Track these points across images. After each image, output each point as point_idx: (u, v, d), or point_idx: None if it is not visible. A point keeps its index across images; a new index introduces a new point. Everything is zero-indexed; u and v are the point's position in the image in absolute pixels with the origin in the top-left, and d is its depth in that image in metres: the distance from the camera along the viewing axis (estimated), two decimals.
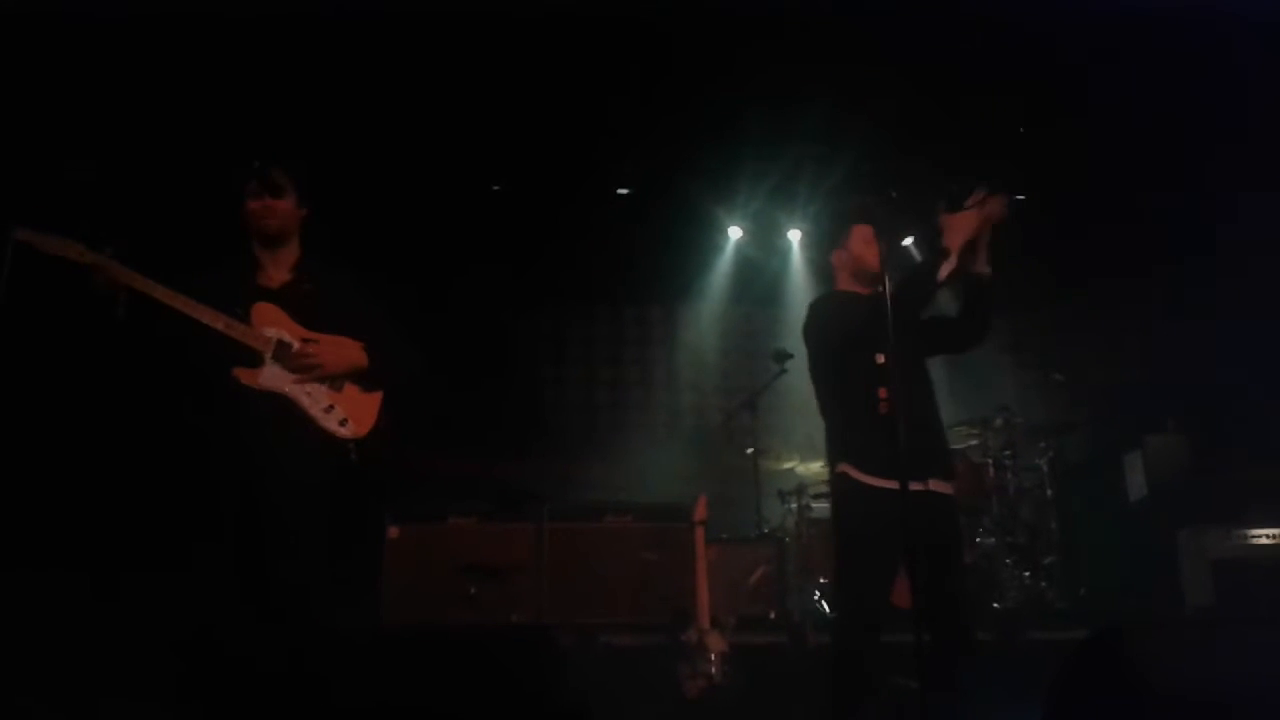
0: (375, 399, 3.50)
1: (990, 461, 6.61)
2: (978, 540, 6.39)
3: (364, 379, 3.48)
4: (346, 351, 3.45)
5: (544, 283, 8.32)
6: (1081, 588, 6.57)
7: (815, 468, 6.77)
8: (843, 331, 3.75)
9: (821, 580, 6.27)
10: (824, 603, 6.20)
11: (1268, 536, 6.08)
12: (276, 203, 3.47)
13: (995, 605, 6.21)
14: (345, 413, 3.40)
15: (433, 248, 7.54)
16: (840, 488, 3.68)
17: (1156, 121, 6.69)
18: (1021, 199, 8.03)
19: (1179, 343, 8.09)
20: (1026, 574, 6.45)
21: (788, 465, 6.97)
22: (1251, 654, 2.57)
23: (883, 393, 3.52)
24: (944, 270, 3.54)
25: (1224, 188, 7.13)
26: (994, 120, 7.09)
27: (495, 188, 7.81)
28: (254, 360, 3.32)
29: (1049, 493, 6.75)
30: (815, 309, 4.01)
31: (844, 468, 3.65)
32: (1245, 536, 6.09)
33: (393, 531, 5.59)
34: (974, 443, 6.85)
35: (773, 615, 5.98)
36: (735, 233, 8.61)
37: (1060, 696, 2.41)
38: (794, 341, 7.89)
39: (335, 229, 3.82)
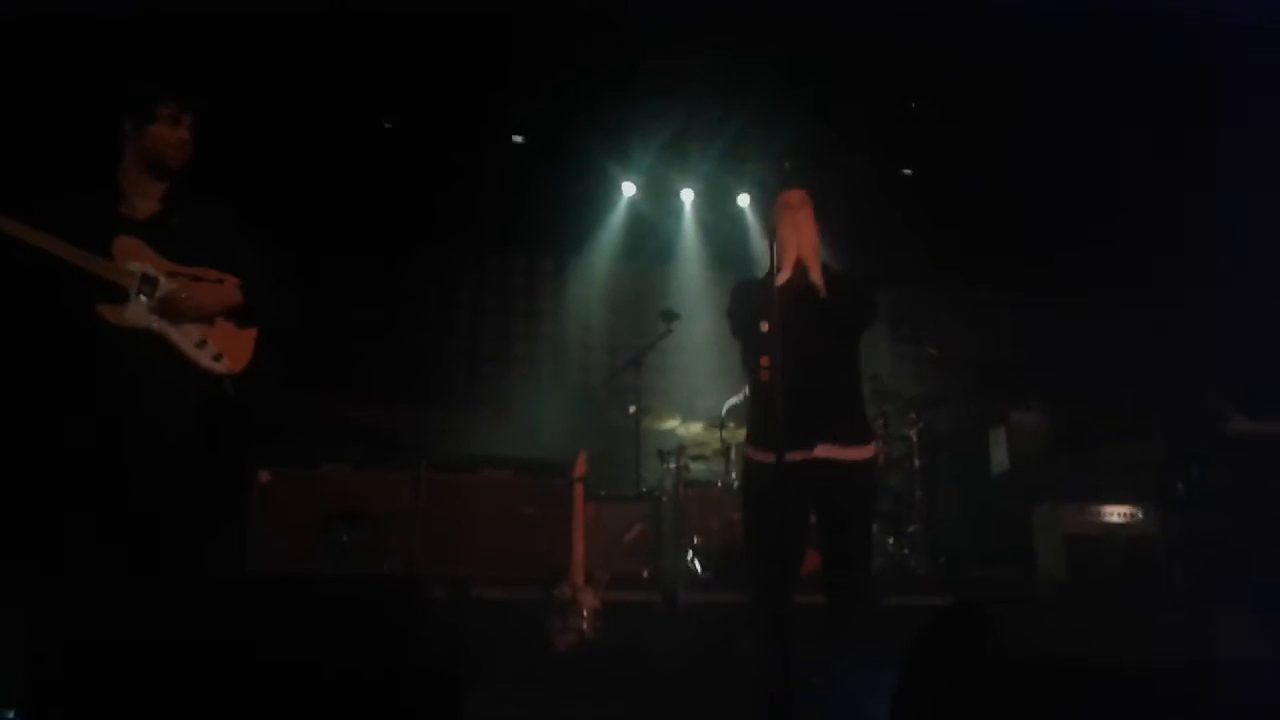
0: (251, 335, 3.41)
1: None
2: None
3: (238, 315, 3.37)
4: (218, 288, 3.34)
5: (434, 226, 8.16)
6: (941, 556, 6.81)
7: (696, 429, 6.86)
8: (740, 309, 3.86)
9: (695, 540, 6.36)
10: (696, 562, 6.31)
11: (1119, 514, 6.39)
12: (186, 134, 3.34)
13: None
14: (219, 347, 3.30)
15: (319, 183, 7.31)
16: (742, 464, 3.94)
17: (1042, 103, 6.86)
18: (908, 173, 8.23)
19: (1046, 323, 8.43)
20: (891, 540, 6.66)
21: (669, 425, 7.03)
22: (1101, 628, 2.71)
23: (764, 360, 3.57)
24: (779, 278, 3.59)
25: (1104, 172, 7.37)
26: (884, 94, 7.21)
27: (387, 125, 7.60)
28: (118, 296, 3.18)
29: (916, 463, 6.96)
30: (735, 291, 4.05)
31: (745, 446, 3.87)
32: (1098, 513, 6.38)
33: (264, 476, 5.45)
34: None
35: (646, 574, 6.05)
36: (629, 188, 8.58)
37: (916, 661, 2.51)
38: (682, 301, 8.06)
39: (213, 160, 3.67)
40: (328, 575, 4.66)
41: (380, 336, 7.79)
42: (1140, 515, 6.39)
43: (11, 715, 2.58)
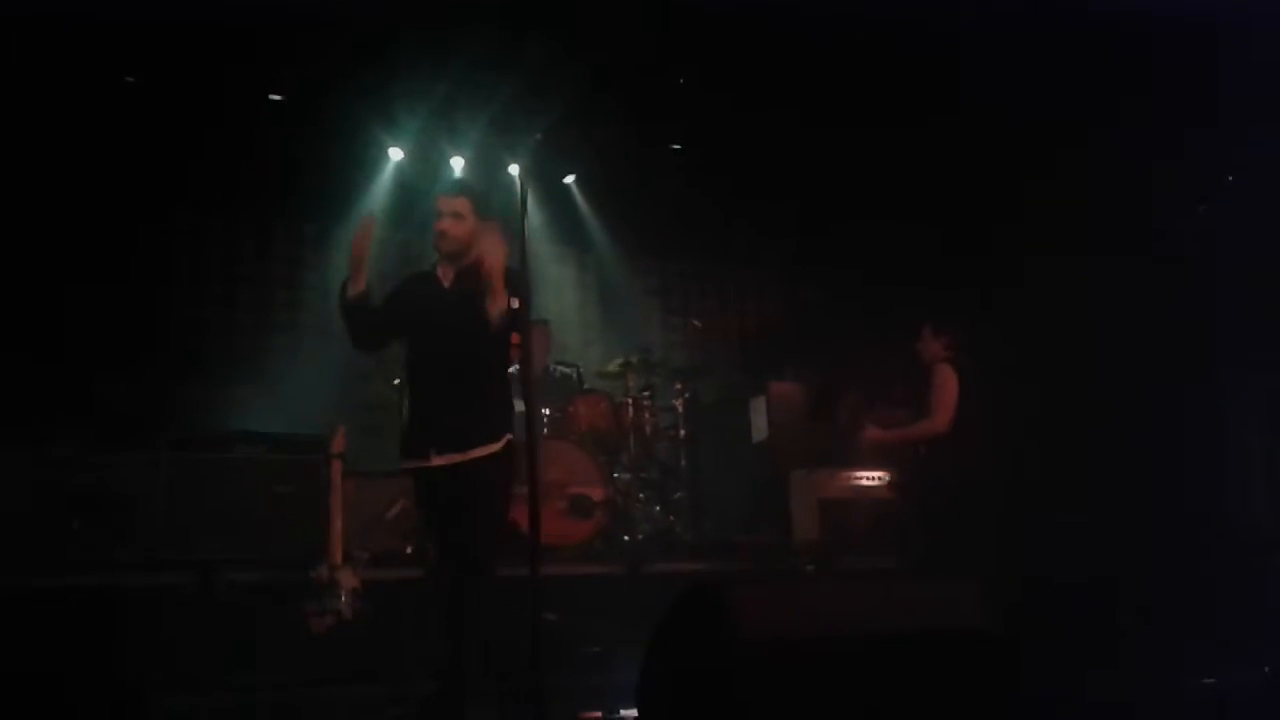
0: None
1: (630, 401, 6.88)
2: (615, 476, 6.65)
3: None
4: None
5: (185, 188, 7.65)
6: (706, 522, 7.01)
7: None
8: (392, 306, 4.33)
9: None
10: None
11: (868, 478, 6.77)
12: None
13: (625, 538, 6.51)
14: None
15: (53, 141, 6.72)
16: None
17: (814, 79, 7.05)
18: (677, 148, 8.37)
19: (806, 297, 8.80)
20: (657, 509, 6.81)
21: None
22: (840, 606, 2.83)
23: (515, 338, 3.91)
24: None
25: (873, 147, 7.65)
26: (656, 67, 7.26)
27: (129, 79, 7.06)
28: None
29: (682, 432, 7.13)
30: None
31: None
32: (849, 478, 6.75)
33: None
34: (616, 382, 7.09)
35: (410, 550, 5.93)
36: (396, 154, 8.31)
37: (657, 647, 2.56)
38: None
39: None
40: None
41: (125, 307, 7.26)
42: (887, 479, 6.79)
43: None
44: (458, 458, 3.91)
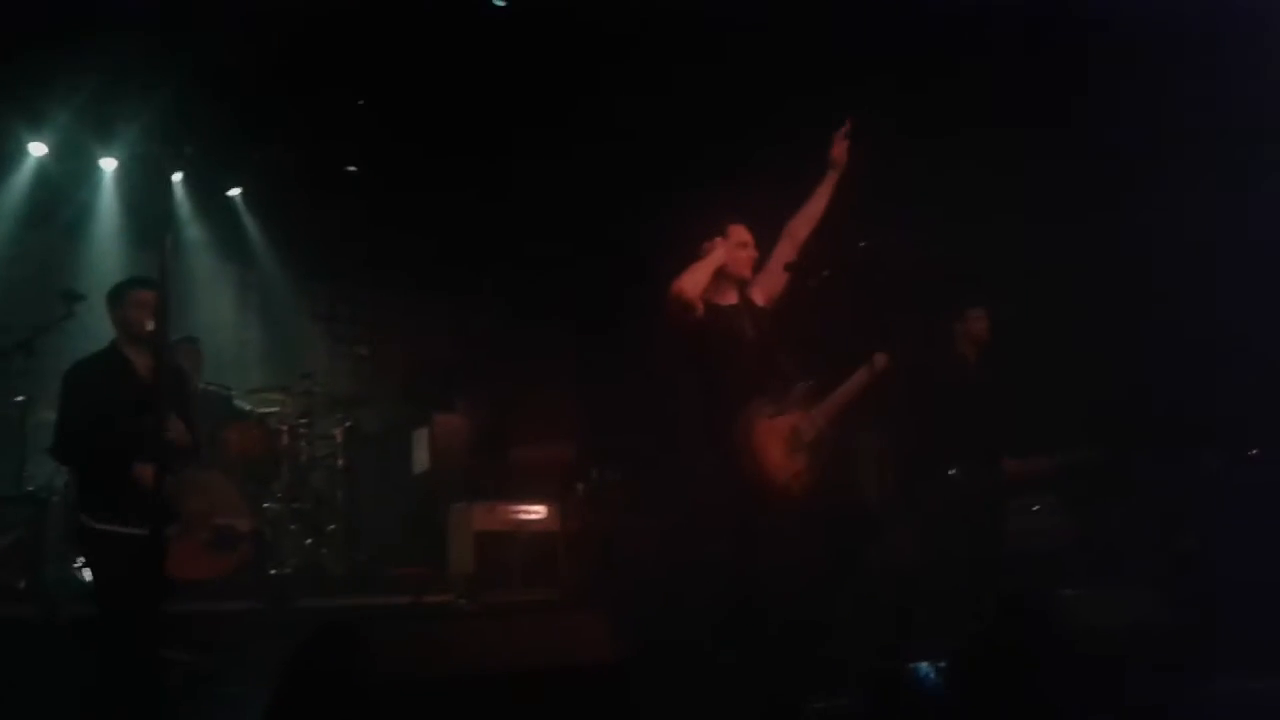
0: None
1: (285, 428, 6.64)
2: (265, 506, 6.39)
3: None
4: None
5: None
6: (362, 555, 6.87)
7: None
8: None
9: None
10: (86, 571, 5.75)
11: (526, 512, 6.88)
12: None
13: (273, 572, 6.25)
14: None
15: None
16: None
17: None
18: (353, 170, 8.19)
19: (479, 328, 8.83)
20: (309, 540, 6.60)
21: None
22: (480, 642, 2.87)
23: None
24: None
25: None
26: (335, 88, 7.08)
27: None
28: None
29: (340, 462, 6.96)
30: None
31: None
32: (507, 511, 6.82)
33: None
34: (274, 409, 6.83)
35: (23, 585, 5.40)
36: (37, 149, 7.60)
37: (290, 684, 2.49)
38: (91, 281, 7.32)
39: None
40: None
41: None
42: (545, 513, 6.93)
43: None
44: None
